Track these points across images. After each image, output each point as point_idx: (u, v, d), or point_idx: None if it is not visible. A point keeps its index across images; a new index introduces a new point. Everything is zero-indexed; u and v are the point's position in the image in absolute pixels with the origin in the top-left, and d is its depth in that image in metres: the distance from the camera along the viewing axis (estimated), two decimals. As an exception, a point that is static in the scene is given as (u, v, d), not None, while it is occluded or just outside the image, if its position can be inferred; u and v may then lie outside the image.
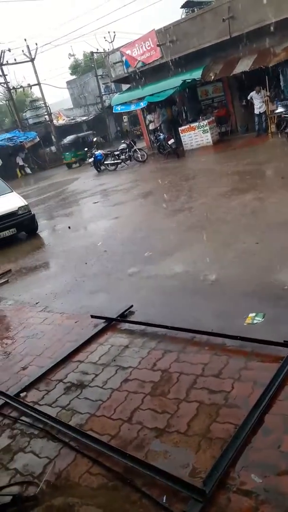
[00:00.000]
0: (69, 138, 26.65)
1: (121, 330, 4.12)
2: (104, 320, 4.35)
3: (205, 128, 16.33)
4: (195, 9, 18.99)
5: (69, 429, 2.82)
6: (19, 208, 9.45)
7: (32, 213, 9.86)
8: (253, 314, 3.63)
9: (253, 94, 14.57)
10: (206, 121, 16.34)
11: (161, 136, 17.06)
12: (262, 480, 2.11)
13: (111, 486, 2.34)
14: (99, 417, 2.92)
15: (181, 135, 17.07)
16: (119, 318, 4.30)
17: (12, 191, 10.37)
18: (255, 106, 14.62)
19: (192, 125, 16.77)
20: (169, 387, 3.01)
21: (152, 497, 2.18)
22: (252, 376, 2.88)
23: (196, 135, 16.66)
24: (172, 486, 2.17)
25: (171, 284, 4.92)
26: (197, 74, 15.76)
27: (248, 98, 14.92)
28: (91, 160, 19.57)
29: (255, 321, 3.55)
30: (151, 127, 19.79)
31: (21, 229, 9.71)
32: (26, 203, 9.74)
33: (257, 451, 2.29)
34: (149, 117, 19.68)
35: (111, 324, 4.27)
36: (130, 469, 2.37)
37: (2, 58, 29.07)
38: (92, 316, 4.51)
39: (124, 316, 4.35)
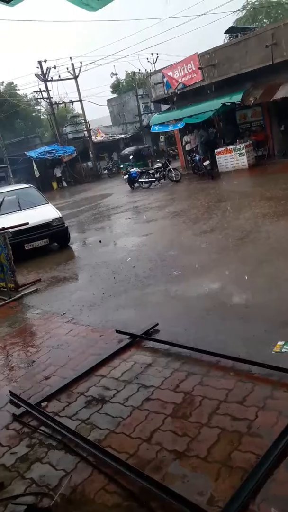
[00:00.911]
0: (129, 149, 27.90)
1: (145, 348, 4.10)
2: (129, 336, 4.34)
3: (242, 151, 16.32)
4: (239, 35, 19.20)
5: (88, 443, 2.80)
6: (54, 219, 9.63)
7: (66, 225, 10.04)
8: (282, 343, 3.54)
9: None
10: (243, 144, 16.34)
11: (197, 157, 17.16)
12: (283, 516, 2.02)
13: (126, 506, 2.30)
14: (118, 434, 2.89)
15: (216, 157, 17.12)
16: (143, 335, 4.28)
17: (48, 203, 10.60)
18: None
19: (228, 147, 16.81)
20: (191, 410, 2.96)
21: (167, 522, 2.13)
22: (277, 405, 2.80)
23: (232, 157, 16.67)
24: (189, 513, 2.11)
25: (198, 305, 4.87)
26: (236, 98, 15.85)
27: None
28: (125, 177, 19.87)
29: (283, 350, 3.46)
30: (187, 148, 19.96)
31: (54, 240, 9.88)
32: (61, 215, 9.92)
33: (279, 485, 2.20)
34: (186, 138, 19.87)
35: (135, 340, 4.26)
36: (146, 490, 2.32)
37: (47, 75, 30.20)
38: (117, 331, 4.51)
39: (149, 334, 4.34)
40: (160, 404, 3.11)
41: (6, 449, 3.03)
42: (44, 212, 9.88)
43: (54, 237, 9.78)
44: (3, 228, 7.18)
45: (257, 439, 2.55)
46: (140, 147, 28.53)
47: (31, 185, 11.75)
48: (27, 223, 7.98)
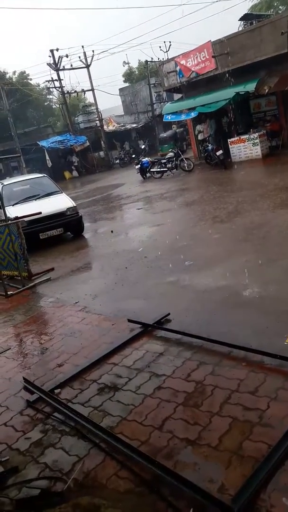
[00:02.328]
0: (168, 133, 28.36)
1: (157, 337, 4.12)
2: (141, 326, 4.37)
3: (255, 141, 16.11)
4: (254, 22, 18.85)
5: (100, 430, 2.84)
6: (68, 209, 9.65)
7: (80, 214, 10.03)
8: (294, 334, 3.53)
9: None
10: (257, 134, 16.13)
11: (210, 147, 16.98)
12: (294, 505, 2.04)
13: (137, 492, 2.34)
14: (130, 422, 2.93)
15: (230, 146, 16.93)
16: (155, 324, 4.30)
17: (62, 192, 10.60)
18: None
19: (242, 137, 16.60)
20: (202, 399, 2.98)
21: (178, 508, 2.16)
22: (289, 397, 2.80)
23: (246, 147, 16.47)
24: (200, 500, 2.14)
25: (210, 296, 4.87)
26: (250, 87, 15.59)
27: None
28: (137, 167, 19.78)
29: (296, 341, 3.44)
30: (200, 137, 19.77)
31: (68, 230, 9.91)
32: (75, 205, 9.92)
33: (291, 475, 2.21)
34: (198, 127, 19.67)
35: (147, 330, 4.28)
36: (157, 477, 2.35)
37: (59, 63, 30.06)
38: (129, 320, 4.54)
39: (160, 323, 4.35)
40: (171, 393, 3.13)
41: (20, 434, 3.09)
42: (58, 202, 9.90)
43: (69, 227, 9.81)
44: (16, 218, 7.23)
45: (269, 429, 2.56)
46: (177, 130, 28.81)
47: (45, 175, 11.75)
48: (40, 213, 8.01)
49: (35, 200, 9.94)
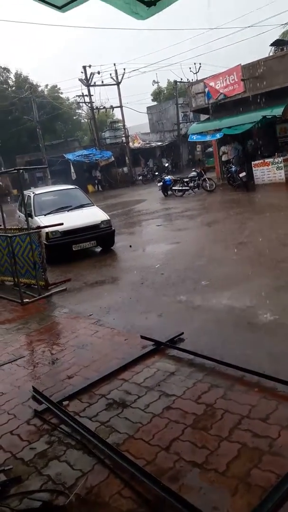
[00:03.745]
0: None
1: (169, 356, 4.08)
2: (153, 343, 4.33)
3: (280, 165, 16.09)
4: (284, 48, 19.01)
5: (106, 446, 2.81)
6: (102, 221, 9.45)
7: (113, 228, 9.79)
8: (310, 362, 3.44)
9: None
10: (282, 158, 16.11)
11: (233, 168, 17.03)
12: None
13: (140, 513, 2.29)
14: (136, 440, 2.88)
15: (253, 169, 16.95)
16: (168, 343, 4.27)
17: (94, 205, 10.45)
18: None
19: (266, 160, 16.61)
20: (211, 423, 2.92)
21: (180, 534, 2.10)
22: (302, 427, 2.72)
23: (269, 171, 16.46)
24: (203, 527, 2.08)
25: (225, 317, 4.81)
26: (278, 111, 15.65)
27: None
28: (159, 184, 19.93)
29: (311, 370, 3.36)
30: (224, 158, 19.83)
31: (100, 243, 9.65)
32: (109, 218, 9.70)
33: (299, 509, 2.13)
34: (223, 148, 19.76)
35: (159, 348, 4.24)
36: (162, 499, 2.30)
37: (91, 80, 30.80)
38: (142, 337, 4.51)
39: (173, 342, 4.31)
40: (180, 414, 3.08)
41: (25, 444, 3.07)
42: (92, 214, 9.77)
43: (101, 240, 9.55)
44: (38, 227, 7.33)
45: (279, 458, 2.49)
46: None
47: (76, 187, 11.58)
48: (62, 223, 8.07)
49: (68, 211, 9.81)
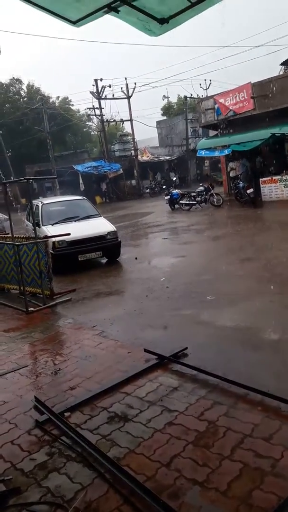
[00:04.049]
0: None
1: (172, 371, 4.06)
2: (157, 357, 4.31)
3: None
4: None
5: (106, 460, 2.78)
6: (109, 233, 9.51)
7: (119, 239, 9.85)
8: (315, 382, 3.41)
9: None
10: (290, 175, 16.18)
11: (241, 184, 17.10)
12: None
13: (139, 530, 2.26)
14: (137, 455, 2.86)
15: (261, 186, 17.02)
16: (172, 358, 4.25)
17: (101, 216, 10.52)
18: None
19: (274, 177, 16.68)
20: (213, 441, 2.89)
21: None
22: (305, 448, 2.68)
23: (277, 188, 16.52)
24: None
25: (230, 334, 4.79)
26: (287, 129, 15.78)
27: None
28: (167, 197, 20.04)
29: (315, 390, 3.33)
30: (231, 174, 19.96)
31: (106, 254, 9.68)
32: (115, 229, 9.75)
33: (301, 533, 2.10)
34: (231, 164, 19.89)
35: (163, 362, 4.22)
36: (161, 517, 2.27)
37: (102, 93, 31.25)
38: (145, 350, 4.49)
39: (177, 357, 4.29)
40: (182, 430, 3.06)
41: (26, 454, 3.05)
42: (99, 225, 9.83)
43: (107, 251, 9.59)
44: (46, 236, 7.38)
45: (281, 480, 2.46)
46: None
47: (84, 197, 11.65)
48: (69, 234, 8.12)
49: (75, 221, 9.85)
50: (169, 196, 19.78)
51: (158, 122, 43.71)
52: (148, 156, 36.29)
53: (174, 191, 19.89)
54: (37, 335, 5.61)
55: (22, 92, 42.93)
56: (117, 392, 3.75)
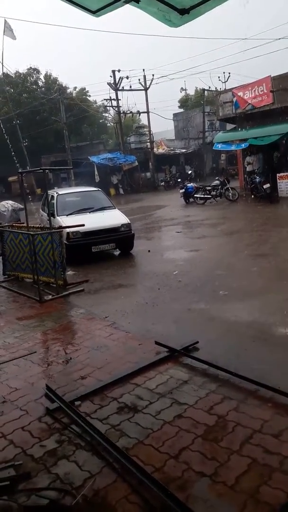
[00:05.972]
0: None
1: (183, 364, 4.06)
2: (167, 350, 4.32)
3: (305, 179, 15.93)
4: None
5: (115, 449, 2.81)
6: (122, 225, 9.52)
7: (133, 232, 9.83)
8: None
9: None
10: (307, 171, 15.95)
11: (257, 179, 16.92)
12: None
13: (146, 519, 2.28)
14: (146, 446, 2.88)
15: (278, 181, 16.80)
16: (183, 351, 4.25)
17: (115, 208, 10.52)
18: None
19: (291, 173, 16.45)
20: (222, 435, 2.89)
21: None
22: (315, 446, 2.67)
23: (294, 184, 16.30)
24: (209, 540, 2.06)
25: (242, 330, 4.77)
26: (306, 124, 15.53)
27: None
28: (181, 191, 19.93)
29: None
30: (248, 168, 19.74)
31: (119, 246, 9.72)
32: (129, 221, 9.75)
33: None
34: (248, 158, 19.67)
35: (173, 355, 4.23)
36: (168, 508, 2.29)
37: (119, 84, 31.09)
38: (156, 343, 4.50)
39: (188, 350, 4.30)
40: (192, 423, 3.07)
41: (36, 441, 3.09)
42: (113, 217, 9.84)
43: (120, 243, 9.61)
44: (60, 227, 7.42)
45: (289, 477, 2.45)
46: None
47: (99, 189, 11.64)
48: (83, 225, 8.15)
49: (89, 212, 9.87)
50: (183, 190, 19.67)
51: (175, 115, 43.38)
52: (164, 149, 36.09)
53: (189, 185, 19.77)
54: (50, 324, 5.66)
55: (39, 82, 42.97)
56: (127, 383, 3.78)
